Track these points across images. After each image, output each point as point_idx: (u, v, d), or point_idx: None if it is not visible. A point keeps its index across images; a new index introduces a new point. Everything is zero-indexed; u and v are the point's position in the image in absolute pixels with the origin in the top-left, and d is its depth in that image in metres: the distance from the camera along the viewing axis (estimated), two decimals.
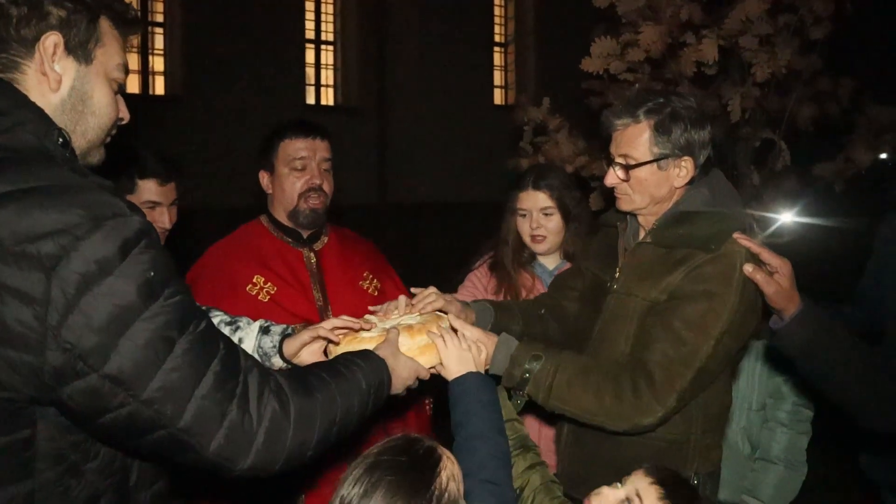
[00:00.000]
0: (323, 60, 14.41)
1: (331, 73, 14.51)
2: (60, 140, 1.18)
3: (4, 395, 1.04)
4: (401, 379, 1.61)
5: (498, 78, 15.74)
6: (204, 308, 1.84)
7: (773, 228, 4.03)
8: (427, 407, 2.53)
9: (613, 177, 1.85)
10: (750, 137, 3.27)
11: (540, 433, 2.29)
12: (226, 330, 1.84)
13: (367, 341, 1.71)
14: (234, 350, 1.22)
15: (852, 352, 1.70)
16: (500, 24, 15.81)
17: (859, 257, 2.79)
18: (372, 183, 13.74)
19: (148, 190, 2.30)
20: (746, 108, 3.02)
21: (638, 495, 1.42)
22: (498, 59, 15.76)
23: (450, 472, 1.25)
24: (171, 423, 1.10)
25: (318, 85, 14.33)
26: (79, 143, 1.23)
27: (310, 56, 14.19)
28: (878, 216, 2.97)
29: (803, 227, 3.81)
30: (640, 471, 1.48)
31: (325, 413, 1.32)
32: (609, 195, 3.55)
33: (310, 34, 14.20)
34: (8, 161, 1.07)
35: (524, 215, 2.57)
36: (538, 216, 2.53)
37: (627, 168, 1.82)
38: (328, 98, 14.47)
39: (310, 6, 14.17)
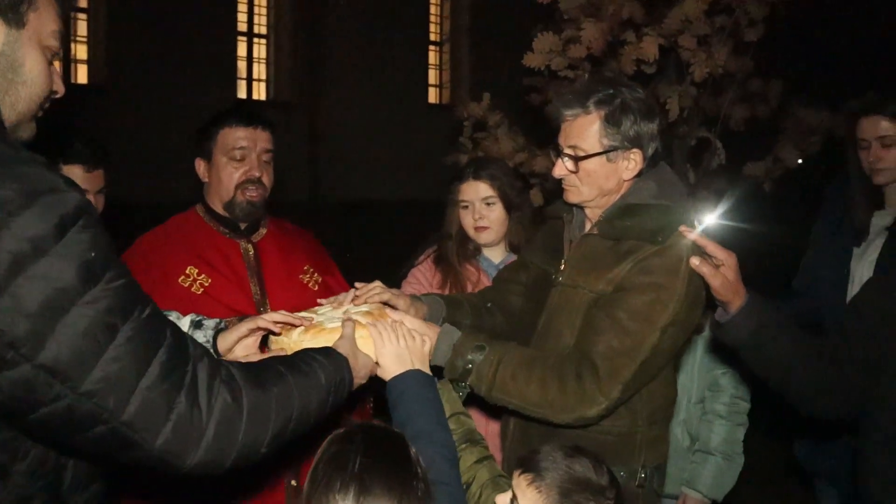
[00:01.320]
0: (255, 54, 14.14)
1: (263, 66, 14.25)
2: None
3: None
4: (359, 377, 1.56)
5: (433, 76, 15.75)
6: None
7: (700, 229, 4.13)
8: (368, 406, 2.47)
9: (562, 168, 1.84)
10: (686, 136, 3.33)
11: (486, 429, 2.27)
12: None
13: (325, 333, 1.65)
14: (181, 338, 1.14)
15: (796, 342, 1.73)
16: (436, 24, 15.82)
17: (787, 256, 2.88)
18: (304, 180, 13.53)
19: (73, 176, 2.17)
20: (684, 108, 3.08)
21: (513, 493, 1.38)
22: (433, 57, 15.77)
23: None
24: (113, 417, 1.02)
25: (249, 79, 14.04)
26: (7, 115, 1.12)
27: (242, 49, 13.91)
28: (806, 215, 3.07)
29: (731, 229, 3.91)
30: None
31: (280, 408, 1.25)
32: (549, 192, 3.57)
33: (242, 27, 13.93)
34: None
35: (466, 206, 2.54)
36: (480, 206, 2.51)
37: (576, 159, 1.81)
38: (260, 92, 14.21)
39: None
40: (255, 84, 14.13)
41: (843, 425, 2.32)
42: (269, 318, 1.70)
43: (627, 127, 1.79)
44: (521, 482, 1.32)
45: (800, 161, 4.14)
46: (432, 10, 15.67)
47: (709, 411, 2.71)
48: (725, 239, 3.23)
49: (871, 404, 1.71)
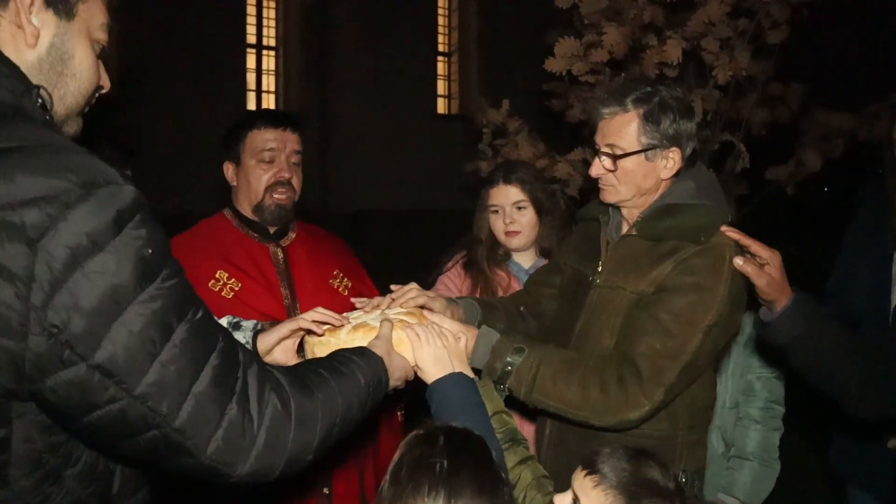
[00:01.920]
0: (264, 66, 14.19)
1: (272, 78, 14.30)
2: (40, 101, 1.06)
3: None
4: (394, 377, 1.53)
5: (441, 87, 15.75)
6: None
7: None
8: (399, 416, 2.44)
9: (599, 167, 1.82)
10: (709, 140, 3.30)
11: (522, 430, 2.24)
12: None
13: (362, 332, 1.63)
14: (233, 342, 1.11)
15: (842, 341, 1.70)
16: (444, 34, 15.85)
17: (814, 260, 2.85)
18: (313, 190, 13.53)
19: None
20: (707, 111, 3.06)
21: (574, 494, 1.34)
22: (441, 68, 15.78)
23: None
24: (166, 422, 0.99)
25: (259, 90, 14.09)
26: (56, 108, 1.11)
27: (251, 61, 13.96)
28: (830, 218, 3.02)
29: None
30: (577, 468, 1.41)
31: (326, 413, 1.22)
32: (572, 197, 3.54)
33: (251, 39, 13.97)
34: None
35: (496, 211, 2.52)
36: (511, 211, 2.49)
37: (614, 158, 1.79)
38: (269, 103, 14.24)
39: (252, 11, 13.96)
40: (264, 95, 14.16)
41: (882, 428, 2.29)
42: (308, 318, 1.67)
43: (666, 125, 1.77)
44: (585, 483, 1.29)
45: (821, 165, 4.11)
46: (440, 20, 15.68)
47: (743, 416, 2.67)
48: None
49: None
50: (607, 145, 1.80)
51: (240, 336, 1.71)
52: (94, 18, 1.15)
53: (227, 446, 1.05)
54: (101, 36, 1.17)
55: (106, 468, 1.11)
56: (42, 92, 1.08)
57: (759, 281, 1.67)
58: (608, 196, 1.86)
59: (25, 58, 1.07)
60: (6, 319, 0.89)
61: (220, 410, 1.03)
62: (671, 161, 1.80)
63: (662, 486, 1.25)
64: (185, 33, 12.17)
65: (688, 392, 1.78)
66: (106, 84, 1.21)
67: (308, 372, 1.29)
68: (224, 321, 1.75)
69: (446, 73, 15.86)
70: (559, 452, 1.90)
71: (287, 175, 2.26)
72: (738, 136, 3.26)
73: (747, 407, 2.66)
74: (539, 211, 2.49)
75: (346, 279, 2.37)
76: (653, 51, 2.88)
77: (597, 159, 1.82)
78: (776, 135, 4.29)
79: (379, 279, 2.39)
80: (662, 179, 1.82)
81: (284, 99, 14.25)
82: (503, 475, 1.14)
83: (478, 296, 2.46)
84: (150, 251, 0.97)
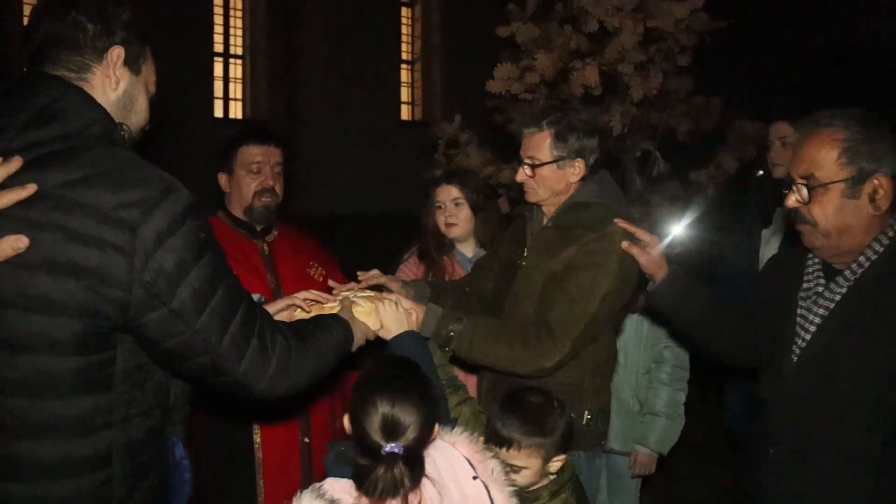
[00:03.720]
0: (231, 74, 14.50)
1: (240, 86, 14.61)
2: (123, 132, 1.54)
3: (100, 322, 1.37)
4: (357, 340, 2.01)
5: (405, 94, 16.23)
6: None
7: (667, 241, 4.67)
8: (353, 377, 2.94)
9: (522, 174, 2.33)
10: (632, 149, 3.84)
11: (465, 382, 2.72)
12: None
13: (329, 309, 2.11)
14: (253, 301, 1.60)
15: (711, 304, 2.19)
16: (408, 42, 16.34)
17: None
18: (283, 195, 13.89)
19: None
20: (625, 124, 3.59)
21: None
22: (405, 75, 16.27)
23: None
24: (214, 349, 1.46)
25: (226, 98, 14.39)
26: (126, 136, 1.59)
27: (218, 69, 14.26)
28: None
29: (691, 234, 4.46)
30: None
31: (315, 355, 1.71)
32: (514, 199, 4.05)
33: (218, 48, 14.27)
34: (88, 147, 1.42)
35: (440, 207, 3.03)
36: (450, 206, 3.01)
37: (533, 167, 2.30)
38: (237, 112, 14.56)
39: (218, 20, 14.24)
40: (231, 103, 14.49)
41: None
42: (301, 296, 2.16)
43: (573, 141, 2.29)
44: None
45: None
46: (404, 29, 16.19)
47: (654, 380, 3.20)
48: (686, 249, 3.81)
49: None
50: (528, 157, 2.32)
51: None
52: (150, 75, 1.63)
53: (251, 368, 1.52)
54: (153, 88, 1.65)
55: (167, 385, 1.57)
56: (125, 126, 1.55)
57: (641, 259, 2.18)
58: (530, 197, 2.37)
59: (109, 97, 1.54)
60: (119, 278, 1.35)
61: (247, 343, 1.51)
62: (577, 169, 2.32)
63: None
64: (151, 42, 12.45)
65: (591, 347, 2.29)
66: (147, 125, 1.68)
67: (302, 327, 1.80)
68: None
69: (410, 81, 16.35)
70: (494, 397, 2.39)
71: (271, 183, 2.73)
72: (653, 144, 3.79)
73: (658, 372, 3.18)
74: (474, 208, 3.01)
75: (320, 268, 2.85)
76: (577, 73, 3.40)
77: (520, 168, 2.34)
78: (702, 142, 4.86)
79: (350, 276, 2.87)
80: (571, 183, 2.33)
81: (252, 107, 14.58)
82: (432, 381, 1.61)
83: (430, 280, 2.97)
84: (203, 234, 1.45)
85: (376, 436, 1.43)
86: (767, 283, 2.09)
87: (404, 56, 16.22)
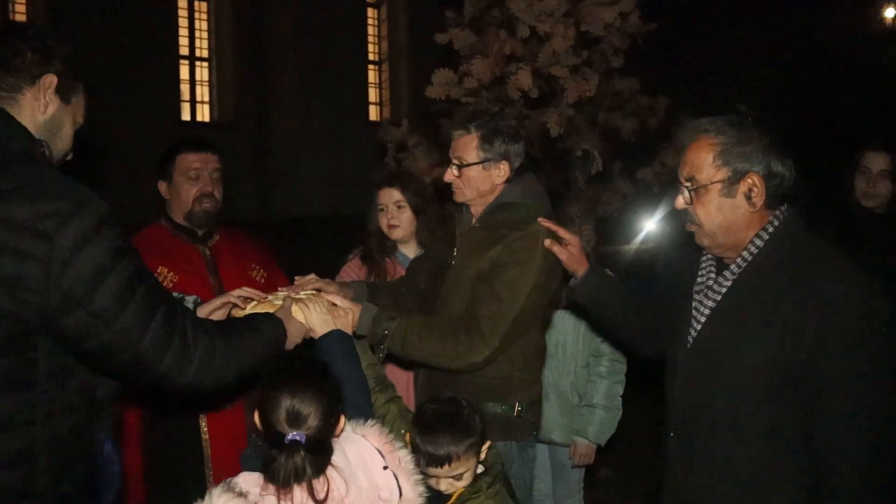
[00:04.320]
0: (198, 77, 14.47)
1: (206, 89, 14.59)
2: (43, 150, 1.62)
3: (19, 325, 1.45)
4: (293, 337, 2.09)
5: (373, 94, 16.29)
6: None
7: (639, 237, 4.79)
8: None
9: (450, 174, 2.42)
10: (572, 149, 3.94)
11: (406, 379, 2.80)
12: None
13: (267, 307, 2.19)
14: (174, 301, 1.69)
15: (625, 299, 2.30)
16: (374, 43, 16.39)
17: None
18: (252, 198, 13.91)
19: None
20: (562, 125, 3.69)
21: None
22: (373, 76, 16.32)
23: None
24: (134, 347, 1.54)
25: (192, 101, 14.36)
26: (50, 156, 1.67)
27: (184, 72, 14.23)
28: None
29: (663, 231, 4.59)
30: None
31: (240, 351, 1.80)
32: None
33: (184, 50, 14.25)
34: (5, 164, 1.50)
35: (382, 209, 3.10)
36: (392, 208, 3.08)
37: (460, 167, 2.39)
38: (204, 114, 14.54)
39: (183, 22, 14.23)
40: (198, 106, 14.46)
41: None
42: (236, 293, 2.24)
43: (498, 144, 2.38)
44: None
45: None
46: (370, 30, 16.24)
47: (593, 373, 3.30)
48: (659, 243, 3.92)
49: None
50: (456, 157, 2.41)
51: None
52: (79, 108, 1.74)
53: (173, 364, 1.61)
54: (80, 120, 1.76)
55: (93, 384, 1.65)
56: (45, 144, 1.63)
57: (562, 256, 2.28)
58: (457, 196, 2.46)
59: (36, 119, 1.63)
60: (36, 285, 1.43)
61: (168, 341, 1.60)
62: (502, 171, 2.41)
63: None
64: (116, 46, 12.38)
65: (520, 342, 2.38)
66: (70, 154, 1.77)
67: (230, 325, 1.90)
68: (174, 295, 2.31)
69: (377, 81, 16.41)
70: (429, 391, 2.48)
71: (210, 188, 2.80)
72: (591, 143, 3.90)
73: (596, 365, 3.29)
74: (416, 210, 3.08)
75: (262, 270, 2.92)
76: (512, 78, 3.51)
77: (449, 168, 2.42)
78: (650, 141, 4.98)
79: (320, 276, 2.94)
80: (496, 184, 2.42)
81: (219, 109, 14.57)
82: (329, 373, 1.69)
83: (373, 281, 3.04)
84: (120, 242, 1.54)
85: (279, 426, 1.52)
86: (672, 279, 2.20)
87: (371, 56, 16.27)
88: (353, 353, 2.12)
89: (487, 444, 2.03)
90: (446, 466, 1.92)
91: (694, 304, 1.98)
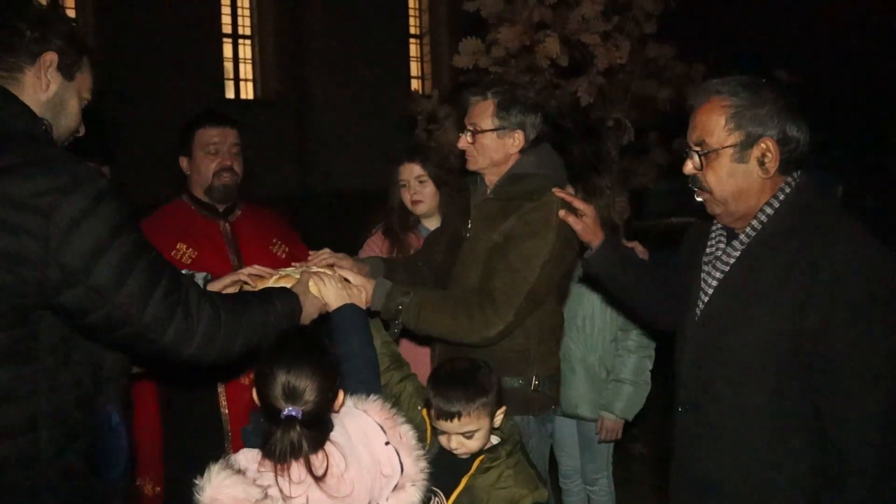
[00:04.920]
0: (241, 55, 14.58)
1: (249, 67, 14.70)
2: (44, 128, 1.62)
3: (19, 300, 1.46)
4: (308, 312, 2.08)
5: (414, 69, 16.20)
6: None
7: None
8: None
9: (464, 141, 2.38)
10: (604, 118, 3.83)
11: (419, 353, 2.78)
12: None
13: (284, 280, 2.19)
14: (177, 273, 1.69)
15: (641, 270, 2.24)
16: (416, 17, 16.27)
17: None
18: (294, 174, 14.03)
19: None
20: (592, 94, 3.57)
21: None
22: (414, 50, 16.22)
23: None
24: (136, 320, 1.55)
25: (236, 79, 14.49)
26: (55, 134, 1.67)
27: (227, 50, 14.35)
28: None
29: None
30: None
31: (248, 324, 1.79)
32: None
33: (227, 28, 14.36)
34: (8, 141, 1.51)
35: (404, 185, 3.06)
36: (414, 183, 3.03)
37: (475, 133, 2.34)
38: (248, 92, 14.67)
39: (226, 1, 14.32)
40: (242, 84, 14.59)
41: None
42: (245, 271, 2.24)
43: (515, 113, 2.33)
44: None
45: None
46: (411, 3, 16.13)
47: (621, 348, 3.24)
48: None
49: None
50: (471, 124, 2.37)
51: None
52: (84, 83, 1.72)
53: (176, 337, 1.61)
54: (87, 95, 1.74)
55: (99, 357, 1.66)
56: (46, 122, 1.63)
57: (577, 227, 2.21)
58: (470, 164, 2.41)
59: (39, 98, 1.63)
60: (31, 260, 1.44)
61: (171, 314, 1.60)
62: (517, 140, 2.35)
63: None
64: (161, 27, 12.55)
65: (536, 315, 2.34)
66: (81, 130, 1.76)
67: (239, 297, 1.91)
68: (183, 272, 2.32)
69: (419, 55, 16.30)
70: None
71: (229, 162, 2.80)
72: (624, 113, 3.79)
73: (624, 340, 3.22)
74: (438, 183, 3.03)
75: (283, 245, 2.92)
76: (542, 46, 3.41)
77: (463, 135, 2.38)
78: (685, 110, 4.82)
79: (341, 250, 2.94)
80: (510, 154, 2.37)
81: (262, 87, 14.68)
82: (328, 348, 1.67)
83: (395, 255, 3.02)
84: (119, 216, 1.53)
85: (276, 402, 1.50)
86: (684, 249, 2.12)
87: (412, 30, 16.16)
88: (365, 329, 2.10)
89: (503, 409, 2.01)
90: (456, 421, 1.90)
91: (703, 274, 1.91)
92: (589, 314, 3.24)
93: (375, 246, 3.10)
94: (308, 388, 1.51)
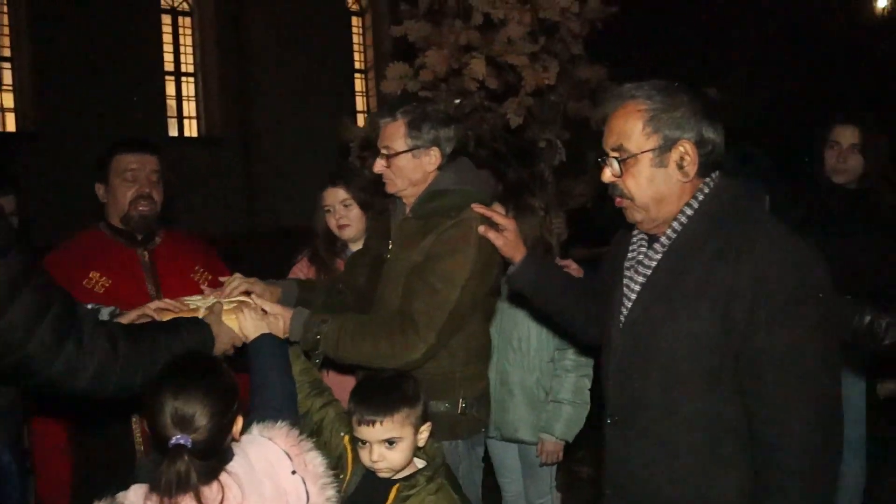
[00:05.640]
0: (184, 92, 14.44)
1: (193, 104, 14.55)
2: None
3: None
4: (223, 343, 2.00)
5: (360, 103, 16.23)
6: None
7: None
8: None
9: (379, 165, 2.32)
10: (536, 139, 3.84)
11: (343, 383, 2.69)
12: None
13: (193, 314, 2.09)
14: (71, 302, 1.59)
15: (566, 285, 2.21)
16: (360, 52, 16.34)
17: None
18: (241, 210, 13.86)
19: None
20: (520, 115, 3.57)
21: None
22: (359, 85, 16.26)
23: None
24: (19, 349, 1.46)
25: (180, 117, 14.33)
26: None
27: (170, 88, 14.20)
28: None
29: None
30: None
31: (149, 358, 1.69)
32: None
33: (169, 66, 14.23)
34: None
35: (329, 210, 3.00)
36: (339, 208, 2.97)
37: (389, 157, 2.29)
38: (192, 129, 14.51)
39: (168, 38, 14.21)
40: (186, 122, 14.42)
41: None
42: (153, 305, 2.14)
43: (427, 130, 2.27)
44: None
45: None
46: (355, 38, 16.20)
47: (558, 368, 3.18)
48: None
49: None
50: (384, 147, 2.30)
51: (99, 318, 2.17)
52: None
53: (66, 370, 1.53)
54: None
55: None
56: None
57: (498, 242, 2.17)
58: (389, 188, 2.35)
59: None
60: None
61: (60, 345, 1.51)
62: (433, 158, 2.30)
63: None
64: (101, 64, 12.37)
65: (461, 336, 2.27)
66: None
67: (143, 329, 1.81)
68: (89, 306, 2.21)
69: (364, 90, 16.35)
70: None
71: (147, 190, 2.70)
72: (555, 133, 3.79)
73: (561, 360, 3.17)
74: (363, 206, 2.97)
75: (205, 273, 2.82)
76: (469, 69, 3.40)
77: (378, 159, 2.32)
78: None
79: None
80: (428, 172, 2.31)
81: (206, 124, 14.53)
82: (224, 370, 1.59)
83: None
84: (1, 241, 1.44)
85: (165, 430, 1.41)
86: (608, 258, 2.09)
87: (357, 66, 16.22)
88: (283, 358, 2.03)
89: (428, 425, 1.94)
90: (378, 426, 1.83)
91: (625, 280, 1.87)
92: (525, 335, 3.19)
93: (300, 272, 3.02)
94: (198, 415, 1.42)
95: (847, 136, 3.31)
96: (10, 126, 12.22)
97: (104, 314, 2.18)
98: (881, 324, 2.03)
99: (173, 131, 14.20)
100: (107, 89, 12.44)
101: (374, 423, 1.84)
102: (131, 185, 2.69)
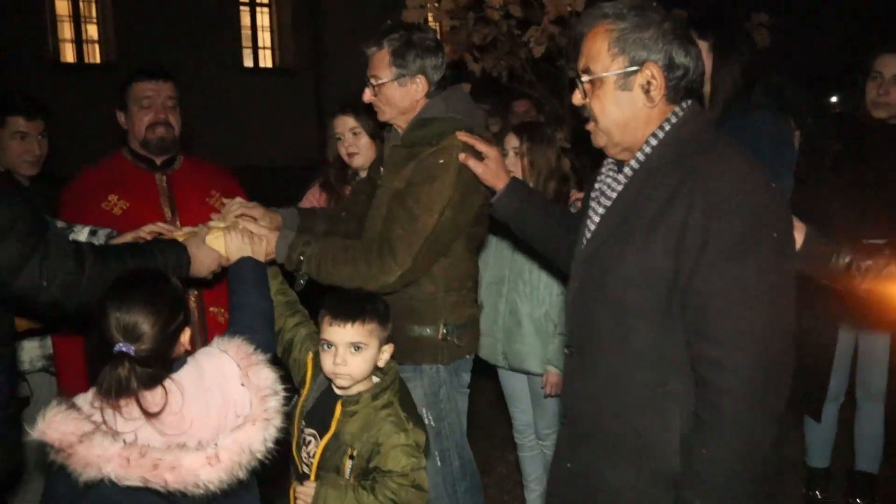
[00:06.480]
0: (259, 22, 14.56)
1: (267, 34, 14.69)
2: None
3: None
4: (203, 264, 2.10)
5: None
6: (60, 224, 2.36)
7: None
8: None
9: (368, 94, 2.34)
10: (563, 69, 3.74)
11: None
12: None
13: (179, 236, 2.20)
14: (39, 219, 1.72)
15: (550, 213, 2.19)
16: None
17: None
18: (312, 142, 14.06)
19: (16, 124, 2.91)
20: (542, 42, 3.47)
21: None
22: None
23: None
24: None
25: (254, 47, 14.49)
26: None
27: (245, 18, 14.34)
28: None
29: None
30: None
31: (116, 277, 1.78)
32: None
33: None
34: None
35: (339, 138, 3.05)
36: (349, 136, 3.02)
37: (375, 86, 2.31)
38: (266, 59, 14.67)
39: None
40: (260, 52, 14.60)
41: None
42: (147, 229, 2.27)
43: (412, 59, 2.28)
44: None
45: None
46: None
47: None
48: None
49: None
50: (372, 76, 2.32)
51: (95, 239, 2.32)
52: None
53: (30, 284, 1.66)
54: None
55: None
56: None
57: (478, 170, 2.18)
58: (380, 116, 2.39)
59: None
60: None
61: (25, 258, 1.65)
62: (419, 86, 2.31)
63: None
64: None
65: (444, 262, 2.31)
66: None
67: (113, 249, 1.92)
68: (87, 228, 2.36)
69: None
70: None
71: (163, 116, 2.82)
72: (570, 65, 3.68)
73: None
74: (372, 135, 3.01)
75: (221, 197, 2.93)
76: None
77: (366, 88, 2.34)
78: None
79: None
80: (416, 100, 2.33)
81: (280, 53, 14.68)
82: (173, 289, 1.67)
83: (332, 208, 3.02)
84: None
85: (109, 338, 1.52)
86: (587, 185, 2.04)
87: None
88: (262, 280, 2.12)
89: (391, 346, 2.02)
90: (349, 326, 1.92)
91: (589, 211, 1.83)
92: (535, 267, 3.20)
93: (313, 198, 3.11)
94: (142, 324, 1.52)
95: (891, 65, 3.10)
96: (95, 58, 12.67)
97: (101, 236, 2.32)
98: (860, 266, 1.94)
99: (248, 62, 14.39)
100: (184, 19, 12.66)
101: (345, 323, 1.92)
102: (148, 111, 2.81)
